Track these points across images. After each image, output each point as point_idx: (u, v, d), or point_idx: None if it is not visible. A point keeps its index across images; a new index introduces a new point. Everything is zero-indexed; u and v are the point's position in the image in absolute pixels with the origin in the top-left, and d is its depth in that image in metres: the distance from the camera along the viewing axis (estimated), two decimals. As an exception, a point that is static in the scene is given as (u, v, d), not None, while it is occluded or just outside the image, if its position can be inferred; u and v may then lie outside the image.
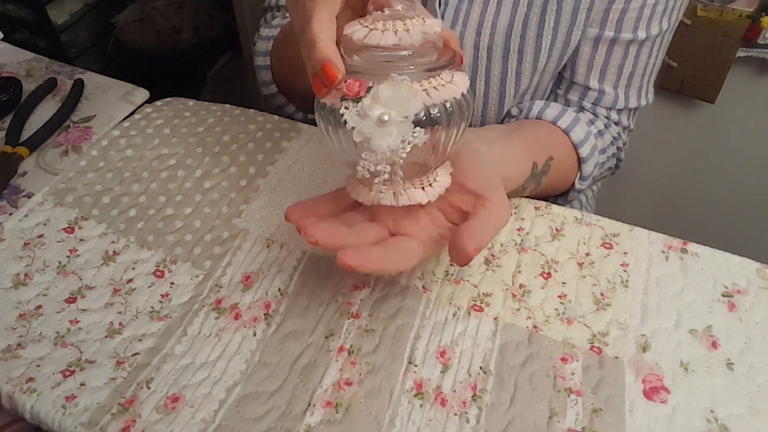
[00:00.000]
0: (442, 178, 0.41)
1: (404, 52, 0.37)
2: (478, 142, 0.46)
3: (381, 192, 0.40)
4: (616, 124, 0.62)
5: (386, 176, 0.37)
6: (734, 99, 1.14)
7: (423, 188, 0.40)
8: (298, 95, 0.65)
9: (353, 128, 0.34)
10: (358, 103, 0.34)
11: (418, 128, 0.35)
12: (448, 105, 0.37)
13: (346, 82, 0.35)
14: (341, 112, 0.35)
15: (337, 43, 0.37)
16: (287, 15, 0.65)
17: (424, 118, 0.36)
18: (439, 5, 0.56)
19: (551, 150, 0.54)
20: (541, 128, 0.57)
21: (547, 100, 0.61)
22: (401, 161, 0.36)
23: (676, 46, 1.11)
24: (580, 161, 0.57)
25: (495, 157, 0.46)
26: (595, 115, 0.61)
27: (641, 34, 0.56)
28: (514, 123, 0.59)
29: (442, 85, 0.37)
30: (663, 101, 1.18)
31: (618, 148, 0.63)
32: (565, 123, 0.57)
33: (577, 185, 0.58)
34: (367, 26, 0.37)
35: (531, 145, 0.52)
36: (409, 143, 0.35)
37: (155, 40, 1.56)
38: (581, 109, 0.61)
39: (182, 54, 1.60)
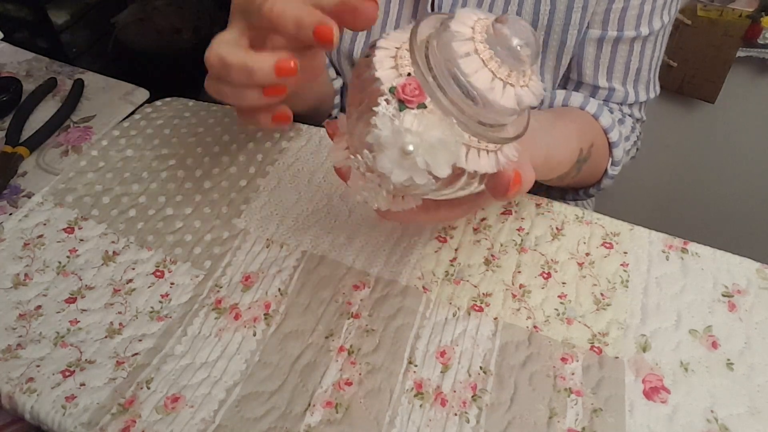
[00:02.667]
0: (413, 200, 0.37)
1: (481, 100, 0.30)
2: (535, 122, 0.44)
3: (363, 191, 0.35)
4: (629, 116, 0.63)
5: (372, 185, 0.33)
6: (734, 99, 1.14)
7: (393, 196, 0.36)
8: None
9: (375, 126, 0.29)
10: (401, 111, 0.29)
11: (431, 178, 0.30)
12: (475, 175, 0.32)
13: (408, 76, 0.30)
14: (379, 100, 0.30)
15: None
16: None
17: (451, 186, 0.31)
18: (432, 8, 0.56)
19: (592, 137, 0.54)
20: (579, 115, 0.56)
21: None
22: (391, 188, 0.32)
23: (676, 46, 1.11)
24: (610, 146, 0.58)
25: (549, 137, 0.44)
26: (611, 109, 0.61)
27: (644, 30, 0.56)
28: (556, 109, 0.59)
29: (487, 151, 0.32)
30: (663, 101, 1.18)
31: (636, 137, 0.65)
32: (593, 109, 0.57)
33: (610, 171, 0.59)
34: (473, 41, 0.29)
35: (577, 130, 0.52)
36: (412, 182, 0.31)
37: (155, 40, 1.56)
38: None
39: (182, 54, 1.60)
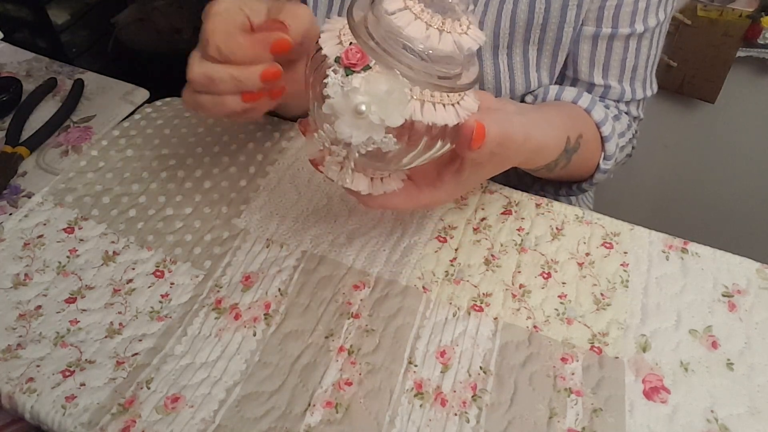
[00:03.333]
0: (394, 180, 0.39)
1: (425, 51, 0.32)
2: (510, 105, 0.44)
3: (332, 166, 0.37)
4: (626, 113, 0.63)
5: (339, 159, 0.34)
6: (734, 99, 1.14)
7: (372, 179, 0.38)
8: None
9: (327, 96, 0.31)
10: (348, 75, 0.31)
11: (390, 136, 0.31)
12: (434, 131, 0.33)
13: (350, 44, 0.32)
14: (327, 72, 0.31)
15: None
16: None
17: (402, 128, 0.32)
18: None
19: (581, 128, 0.53)
20: (567, 107, 0.57)
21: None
22: (357, 155, 0.33)
23: (676, 46, 1.11)
24: (603, 140, 0.57)
25: (528, 120, 0.43)
26: (607, 105, 0.61)
27: (639, 28, 0.56)
28: (540, 103, 0.59)
29: (443, 104, 0.33)
30: (663, 101, 1.18)
31: (633, 134, 0.64)
32: (585, 103, 0.57)
33: (602, 165, 0.58)
34: (424, 21, 0.32)
35: (564, 119, 0.51)
36: (373, 144, 0.32)
37: (155, 40, 1.56)
38: None
39: (182, 54, 1.59)
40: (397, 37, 0.32)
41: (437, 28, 0.32)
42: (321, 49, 0.33)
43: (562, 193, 0.63)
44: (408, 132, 0.33)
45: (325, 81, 0.31)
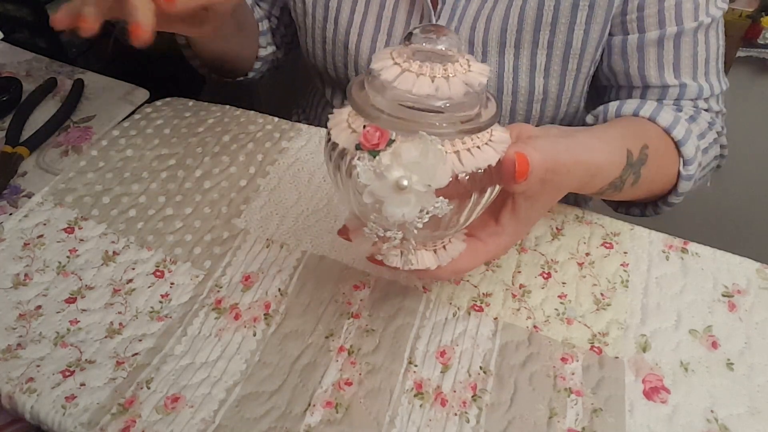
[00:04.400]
0: (456, 243, 0.37)
1: (440, 103, 0.31)
2: (553, 129, 0.42)
3: (390, 257, 0.35)
4: (706, 110, 0.58)
5: (396, 242, 0.32)
6: (734, 99, 1.14)
7: (435, 251, 0.36)
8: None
9: (365, 186, 0.29)
10: (375, 156, 0.29)
11: (441, 198, 0.30)
12: (479, 172, 0.32)
13: (364, 128, 0.30)
14: (354, 163, 0.30)
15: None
16: None
17: (448, 184, 0.30)
18: (434, 3, 0.56)
19: (644, 138, 0.48)
20: (625, 120, 0.53)
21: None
22: (415, 231, 0.31)
23: (676, 46, 1.10)
24: (677, 146, 0.52)
25: (575, 141, 0.41)
26: (680, 107, 0.57)
27: (705, 19, 0.54)
28: (595, 126, 0.55)
29: (478, 147, 0.32)
30: (663, 101, 1.18)
31: (717, 132, 0.58)
32: (648, 112, 0.53)
33: (684, 171, 0.52)
34: (399, 65, 0.31)
35: (620, 132, 0.48)
36: (428, 213, 0.30)
37: (155, 40, 1.56)
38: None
39: (182, 54, 1.59)
40: (407, 101, 0.31)
41: (442, 77, 0.31)
42: (336, 145, 0.33)
43: (649, 212, 0.58)
44: (455, 188, 0.31)
45: (356, 172, 0.30)
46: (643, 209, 0.58)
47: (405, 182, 0.29)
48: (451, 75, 0.31)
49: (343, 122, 0.34)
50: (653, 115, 0.52)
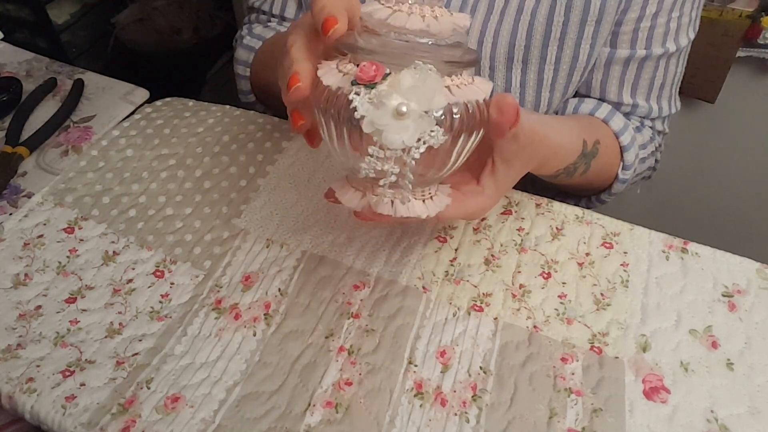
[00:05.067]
0: (442, 195, 0.38)
1: (427, 41, 0.33)
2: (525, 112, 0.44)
3: (385, 199, 0.35)
4: (650, 127, 0.63)
5: (393, 179, 0.32)
6: (734, 99, 1.14)
7: (423, 201, 0.37)
8: (274, 109, 0.66)
9: (363, 117, 0.30)
10: (372, 89, 0.30)
11: (437, 127, 0.31)
12: (470, 107, 0.33)
13: (359, 65, 0.31)
14: (350, 98, 0.30)
15: (349, 28, 0.34)
16: (269, 24, 0.65)
17: (443, 117, 0.32)
18: None
19: (597, 134, 0.53)
20: (584, 116, 0.57)
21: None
22: (413, 162, 0.32)
23: (676, 46, 1.11)
24: (621, 150, 0.57)
25: (543, 119, 0.44)
26: (628, 117, 0.61)
27: (671, 47, 0.56)
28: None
29: (465, 84, 0.34)
30: (663, 101, 1.18)
31: (655, 147, 0.64)
32: (603, 114, 0.57)
33: (621, 175, 0.58)
34: (390, 6, 0.33)
35: (580, 125, 0.52)
36: (425, 143, 0.31)
37: (155, 40, 1.56)
38: None
39: (182, 54, 1.60)
40: (400, 37, 0.33)
41: (431, 16, 0.33)
42: (327, 88, 0.33)
43: (582, 204, 0.63)
44: (450, 120, 0.33)
45: (353, 106, 0.30)
46: (577, 201, 0.64)
47: (404, 108, 0.30)
48: (438, 15, 0.33)
49: (333, 68, 0.34)
50: (607, 118, 0.57)
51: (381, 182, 0.33)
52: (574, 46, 0.54)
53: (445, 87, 0.33)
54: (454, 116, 0.33)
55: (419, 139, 0.31)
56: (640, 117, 0.61)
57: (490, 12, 0.55)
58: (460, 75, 0.34)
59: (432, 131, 0.31)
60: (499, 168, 0.41)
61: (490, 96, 0.36)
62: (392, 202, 0.36)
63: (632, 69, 0.57)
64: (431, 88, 0.30)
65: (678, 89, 0.63)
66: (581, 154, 0.49)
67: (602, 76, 0.58)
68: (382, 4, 0.33)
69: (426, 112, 0.30)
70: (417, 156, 0.31)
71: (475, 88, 0.34)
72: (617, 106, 0.59)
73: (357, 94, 0.30)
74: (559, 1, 0.53)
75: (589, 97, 0.60)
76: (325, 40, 0.34)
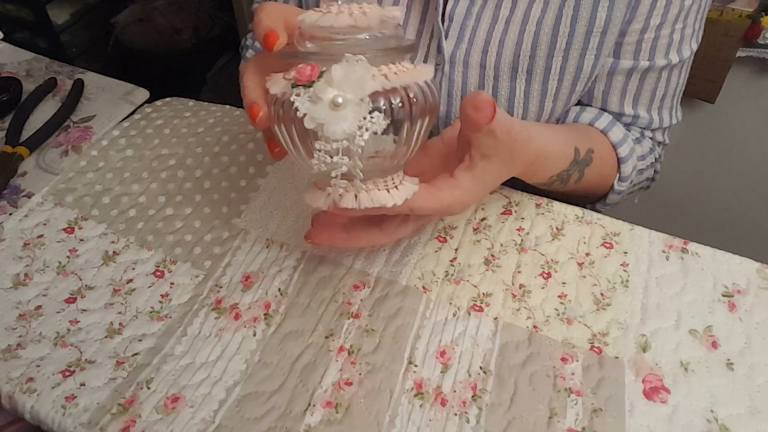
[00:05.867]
0: (408, 184, 0.39)
1: (361, 36, 0.35)
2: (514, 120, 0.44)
3: (340, 189, 0.36)
4: (651, 138, 0.63)
5: (344, 169, 0.34)
6: (734, 99, 1.14)
7: (388, 190, 0.38)
8: None
9: (305, 115, 0.32)
10: (310, 88, 0.32)
11: (376, 112, 0.32)
12: (410, 93, 0.34)
13: (298, 67, 0.33)
14: (292, 99, 0.32)
15: (290, 41, 0.36)
16: None
17: (384, 105, 0.33)
18: (443, 21, 0.55)
19: (591, 143, 0.53)
20: (580, 125, 0.57)
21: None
22: (360, 150, 0.33)
23: (676, 46, 1.11)
24: (618, 161, 0.57)
25: (530, 124, 0.44)
26: (629, 128, 0.61)
27: (674, 59, 0.57)
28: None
29: (404, 70, 0.35)
30: (663, 101, 1.18)
31: (655, 158, 0.64)
32: (603, 125, 0.57)
33: (617, 186, 0.58)
34: (320, 10, 0.35)
35: (572, 133, 0.52)
36: (366, 129, 0.32)
37: (155, 40, 1.56)
38: None
39: (182, 54, 1.60)
40: (332, 37, 0.35)
41: (359, 12, 0.34)
42: (275, 95, 0.35)
43: None
44: (390, 105, 0.34)
45: (294, 107, 0.32)
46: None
47: (340, 99, 0.31)
48: (367, 11, 0.34)
49: (279, 78, 0.36)
50: (606, 129, 0.57)
51: (333, 173, 0.34)
52: (579, 57, 0.54)
53: (382, 74, 0.34)
54: (394, 101, 0.34)
55: (360, 127, 0.32)
56: (640, 128, 0.61)
57: (495, 21, 0.54)
58: (400, 63, 0.35)
59: (372, 117, 0.32)
60: (477, 163, 0.41)
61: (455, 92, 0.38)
62: (356, 195, 0.37)
63: (635, 80, 0.57)
64: (362, 76, 0.32)
65: (679, 100, 0.63)
66: (573, 161, 0.49)
67: (604, 86, 0.58)
68: (316, 10, 0.35)
69: (362, 100, 0.32)
70: (362, 143, 0.32)
71: (414, 73, 0.35)
72: (618, 116, 0.59)
73: (297, 95, 0.32)
74: (565, 12, 0.52)
75: (590, 106, 0.60)
76: (269, 54, 0.36)
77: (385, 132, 0.33)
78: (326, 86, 0.32)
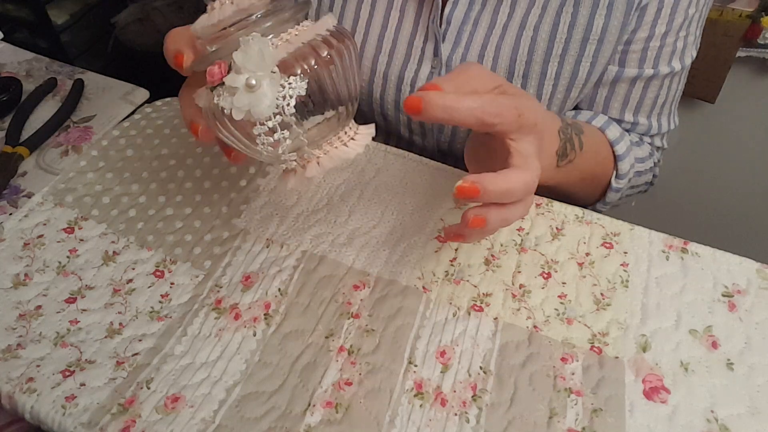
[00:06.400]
0: (364, 130, 0.39)
1: (252, 17, 0.35)
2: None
3: (293, 164, 0.37)
4: (649, 143, 0.63)
5: (288, 142, 0.34)
6: (734, 99, 1.14)
7: (345, 144, 0.38)
8: None
9: (231, 110, 0.33)
10: (224, 84, 0.33)
11: (293, 77, 0.33)
12: (315, 44, 0.35)
13: (208, 70, 0.34)
14: (215, 101, 0.33)
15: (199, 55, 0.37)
16: None
17: (298, 68, 0.34)
18: (440, 25, 0.55)
19: (582, 126, 0.51)
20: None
21: None
22: (293, 118, 0.34)
23: (676, 46, 1.11)
24: (616, 159, 0.57)
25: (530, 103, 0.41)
26: (628, 132, 0.62)
27: (676, 66, 0.57)
28: None
29: (304, 29, 0.35)
30: (663, 101, 1.18)
31: (654, 163, 0.64)
32: (599, 123, 0.57)
33: (614, 184, 0.58)
34: (206, 13, 0.35)
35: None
36: (291, 96, 0.33)
37: (155, 40, 1.56)
38: None
39: (182, 54, 1.59)
40: (228, 30, 0.35)
41: None
42: (203, 107, 0.36)
43: None
44: (302, 64, 0.34)
45: (220, 108, 0.33)
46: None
47: (253, 81, 0.32)
48: None
49: (201, 90, 0.37)
50: (603, 127, 0.57)
51: (280, 150, 0.35)
52: (575, 63, 0.54)
53: (284, 41, 0.35)
54: (305, 60, 0.34)
55: (284, 97, 0.33)
56: (639, 134, 0.62)
57: (492, 26, 0.54)
58: (300, 25, 0.36)
59: (290, 82, 0.33)
60: (514, 147, 0.38)
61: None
62: (318, 161, 0.37)
63: (638, 88, 0.58)
64: (260, 51, 0.32)
65: (677, 105, 0.64)
66: (563, 125, 0.47)
67: (607, 93, 0.58)
68: (204, 13, 0.36)
69: (273, 72, 0.33)
70: (293, 110, 0.33)
71: (314, 27, 0.36)
72: (618, 122, 0.60)
73: (218, 95, 0.33)
74: (562, 19, 0.52)
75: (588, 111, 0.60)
76: (184, 73, 0.37)
77: (311, 93, 0.34)
78: (236, 75, 0.32)
